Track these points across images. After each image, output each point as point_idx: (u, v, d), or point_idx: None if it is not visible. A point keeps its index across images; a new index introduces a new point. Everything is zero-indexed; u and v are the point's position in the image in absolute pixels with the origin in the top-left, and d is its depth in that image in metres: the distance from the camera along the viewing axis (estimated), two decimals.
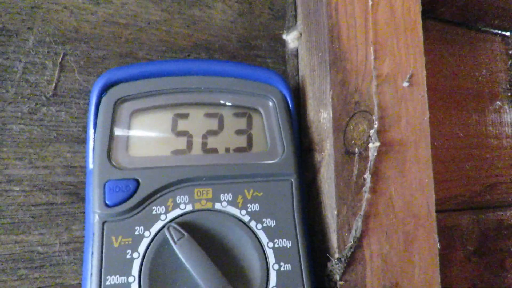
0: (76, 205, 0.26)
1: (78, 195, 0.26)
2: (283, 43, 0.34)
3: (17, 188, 0.25)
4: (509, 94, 0.46)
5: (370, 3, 0.26)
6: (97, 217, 0.21)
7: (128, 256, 0.21)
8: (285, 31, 0.32)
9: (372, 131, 0.25)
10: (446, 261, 0.39)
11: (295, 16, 0.34)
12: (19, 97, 0.26)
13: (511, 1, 0.38)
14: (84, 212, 0.26)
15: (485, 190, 0.43)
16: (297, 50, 0.32)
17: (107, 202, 0.21)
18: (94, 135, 0.23)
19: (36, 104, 0.26)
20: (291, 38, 0.29)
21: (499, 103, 0.45)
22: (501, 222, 0.44)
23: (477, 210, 0.42)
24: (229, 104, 0.25)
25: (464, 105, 0.43)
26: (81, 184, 0.26)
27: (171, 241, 0.21)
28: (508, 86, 0.46)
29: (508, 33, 0.47)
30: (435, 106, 0.40)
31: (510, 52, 0.47)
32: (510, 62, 0.47)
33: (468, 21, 0.43)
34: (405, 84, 0.26)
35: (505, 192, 0.45)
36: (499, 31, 0.46)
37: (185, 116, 0.24)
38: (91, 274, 0.20)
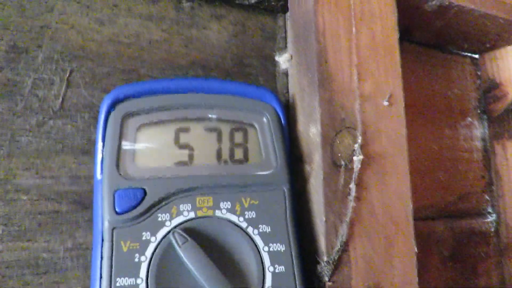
0: (80, 213, 0.27)
1: (82, 203, 0.27)
2: (274, 62, 0.37)
3: (25, 197, 0.26)
4: (478, 111, 0.50)
5: (354, 30, 0.29)
6: (107, 223, 0.23)
7: (136, 260, 0.22)
8: (277, 53, 0.35)
9: (356, 145, 0.27)
10: (423, 265, 0.41)
11: (285, 38, 0.37)
12: (28, 111, 0.27)
13: (477, 29, 0.42)
14: (87, 220, 0.27)
15: (458, 199, 0.46)
16: (287, 70, 0.35)
17: (116, 209, 0.23)
18: (103, 148, 0.25)
19: (44, 117, 0.27)
20: (282, 60, 0.32)
21: (470, 119, 0.49)
22: (473, 230, 0.47)
23: (451, 218, 0.45)
24: (227, 119, 0.27)
25: (438, 120, 0.46)
26: (85, 193, 0.28)
27: (176, 245, 0.22)
28: (477, 103, 0.50)
29: (476, 56, 0.51)
30: (412, 121, 0.43)
31: (478, 73, 0.51)
32: (479, 82, 0.51)
33: (441, 44, 0.47)
34: (385, 103, 0.29)
35: (476, 201, 0.48)
36: (469, 54, 0.50)
37: (186, 130, 0.26)
38: (100, 277, 0.22)
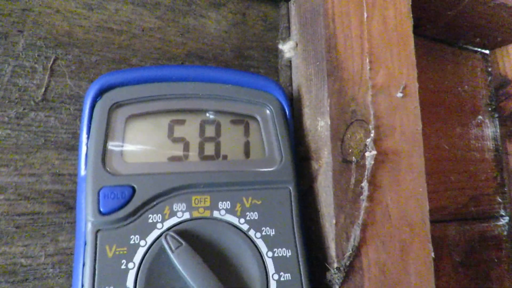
0: (64, 214, 0.25)
1: (66, 204, 0.25)
2: (276, 54, 0.34)
3: (1, 197, 0.24)
4: (489, 109, 0.48)
5: (365, 15, 0.27)
6: (90, 225, 0.20)
7: (123, 267, 0.20)
8: (280, 41, 0.32)
9: (368, 140, 0.25)
10: (435, 272, 0.39)
11: (288, 28, 0.34)
12: (6, 101, 0.25)
13: (490, 21, 0.40)
14: (72, 222, 0.25)
15: (470, 201, 0.44)
16: (290, 61, 0.33)
17: (101, 209, 0.20)
18: (88, 141, 0.22)
19: (24, 108, 0.25)
20: (287, 48, 0.30)
21: (481, 117, 0.47)
22: (485, 233, 0.45)
23: (462, 221, 0.43)
24: (227, 111, 0.25)
25: (448, 118, 0.44)
26: (69, 192, 0.25)
27: (169, 250, 0.20)
28: (488, 101, 0.48)
29: (487, 51, 0.49)
30: (422, 119, 0.41)
31: (489, 69, 0.49)
32: (489, 78, 0.49)
33: (451, 38, 0.44)
34: (399, 94, 0.27)
35: (488, 204, 0.46)
36: (480, 49, 0.48)
37: (181, 122, 0.24)
38: (82, 286, 0.19)
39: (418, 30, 0.41)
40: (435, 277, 0.40)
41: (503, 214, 0.47)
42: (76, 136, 0.26)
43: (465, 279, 0.42)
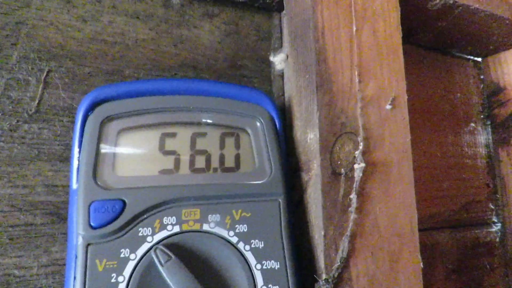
0: (57, 225, 0.25)
1: (59, 215, 0.25)
2: (269, 64, 0.35)
3: None
4: (482, 116, 0.48)
5: (355, 28, 0.27)
6: (81, 239, 0.20)
7: (113, 280, 0.20)
8: (272, 53, 0.32)
9: (357, 152, 0.25)
10: (427, 279, 0.39)
11: (281, 38, 0.35)
12: (0, 114, 0.25)
13: (482, 30, 0.40)
14: (65, 233, 0.25)
15: (462, 208, 0.44)
16: (283, 71, 0.33)
17: (91, 223, 0.20)
18: (79, 154, 0.22)
19: (18, 121, 0.25)
20: (278, 60, 0.30)
21: (473, 124, 0.47)
22: (477, 240, 0.45)
23: (455, 228, 0.43)
24: (217, 123, 0.25)
25: (441, 126, 0.44)
26: (62, 204, 0.25)
27: (158, 264, 0.20)
28: (481, 108, 0.48)
29: (479, 59, 0.49)
30: (414, 126, 0.41)
31: (481, 77, 0.49)
32: (482, 86, 0.49)
33: (443, 46, 0.45)
34: (388, 106, 0.27)
35: (481, 210, 0.46)
36: (472, 57, 0.49)
37: (172, 135, 0.24)
38: None
39: (411, 38, 0.42)
40: (428, 284, 0.40)
41: (496, 220, 0.47)
42: (69, 148, 0.26)
43: (458, 286, 0.42)
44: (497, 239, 0.46)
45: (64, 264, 0.25)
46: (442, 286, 0.41)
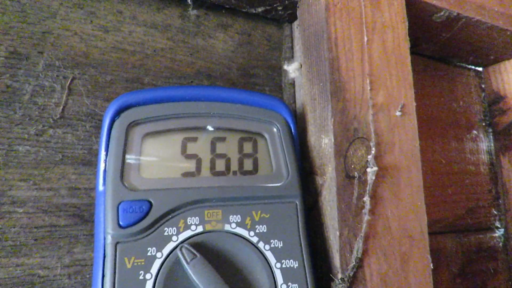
0: (80, 227, 0.26)
1: (81, 217, 0.26)
2: (280, 72, 0.36)
3: (21, 210, 0.25)
4: (483, 124, 0.50)
5: (365, 39, 0.28)
6: (110, 238, 0.21)
7: (141, 277, 0.21)
8: (285, 62, 0.34)
9: (370, 156, 0.26)
10: (433, 283, 0.40)
11: (291, 48, 0.36)
12: (27, 119, 0.26)
13: (483, 41, 0.42)
14: (87, 235, 0.26)
15: (466, 214, 0.45)
16: (293, 79, 0.34)
17: (120, 223, 0.21)
18: (106, 157, 0.23)
19: (43, 126, 0.26)
20: (292, 69, 0.31)
21: (475, 132, 0.48)
22: (481, 245, 0.46)
23: (459, 233, 0.44)
24: (236, 128, 0.26)
25: (444, 133, 0.46)
26: (85, 206, 0.26)
27: (184, 262, 0.21)
28: (482, 116, 0.50)
29: (481, 69, 0.51)
30: (418, 133, 0.42)
31: (483, 86, 0.51)
32: (483, 94, 0.50)
33: (446, 56, 0.46)
34: (398, 113, 0.28)
35: (484, 216, 0.47)
36: (473, 67, 0.50)
37: (194, 139, 0.25)
38: None
39: (416, 49, 0.43)
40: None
41: (499, 226, 0.48)
42: (91, 152, 0.27)
43: None
44: (500, 244, 0.47)
45: (86, 265, 0.26)
46: None
